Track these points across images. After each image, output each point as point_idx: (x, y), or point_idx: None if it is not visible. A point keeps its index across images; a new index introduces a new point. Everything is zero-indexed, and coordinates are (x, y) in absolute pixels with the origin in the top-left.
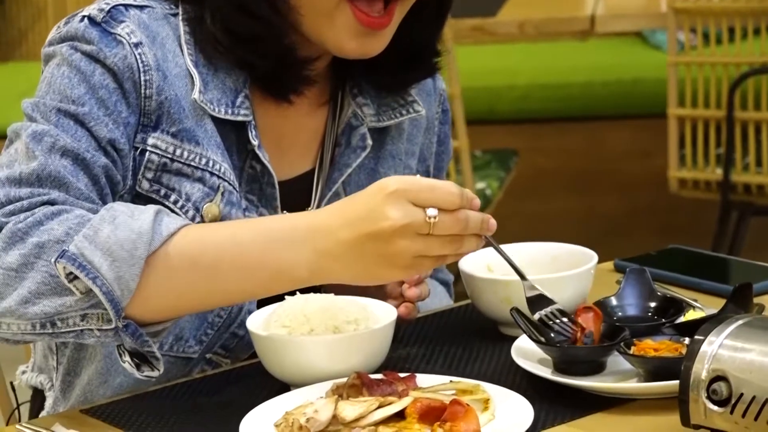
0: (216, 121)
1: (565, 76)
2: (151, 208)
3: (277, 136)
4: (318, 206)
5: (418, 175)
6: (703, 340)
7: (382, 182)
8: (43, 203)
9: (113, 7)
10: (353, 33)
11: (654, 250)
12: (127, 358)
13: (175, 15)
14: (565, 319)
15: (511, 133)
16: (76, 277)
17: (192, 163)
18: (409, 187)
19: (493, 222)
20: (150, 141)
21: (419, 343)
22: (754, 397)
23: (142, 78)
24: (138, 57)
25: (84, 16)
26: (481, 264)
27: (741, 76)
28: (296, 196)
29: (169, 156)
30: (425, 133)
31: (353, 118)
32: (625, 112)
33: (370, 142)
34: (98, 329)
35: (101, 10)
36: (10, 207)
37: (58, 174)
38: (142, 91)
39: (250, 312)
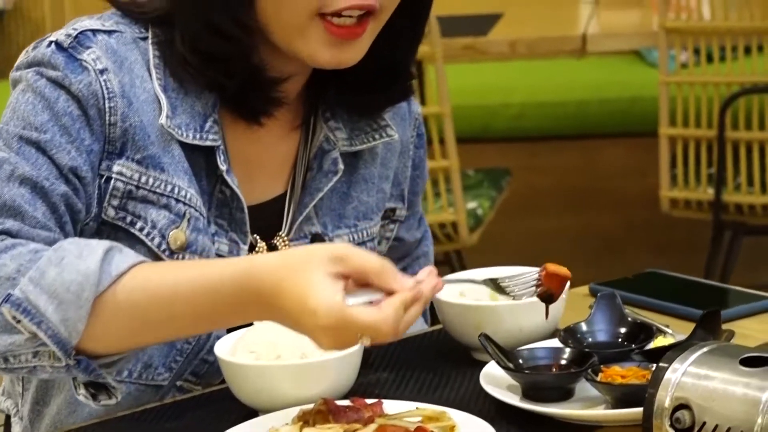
0: (184, 146)
1: (561, 94)
2: (102, 246)
3: (247, 159)
4: (289, 230)
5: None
6: (667, 368)
7: (311, 304)
8: None
9: (81, 32)
10: (327, 44)
11: (631, 274)
12: (82, 390)
13: (145, 39)
14: (529, 279)
15: (506, 151)
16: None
17: (157, 190)
18: (343, 325)
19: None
20: (115, 168)
21: (390, 368)
22: (716, 426)
23: (107, 105)
24: (103, 84)
25: (51, 41)
26: (453, 290)
27: (732, 96)
28: (267, 219)
29: (135, 183)
30: (399, 157)
31: (325, 142)
32: (621, 131)
33: (341, 166)
34: (50, 366)
35: (68, 35)
36: None
37: (14, 203)
38: (107, 118)
39: (218, 338)
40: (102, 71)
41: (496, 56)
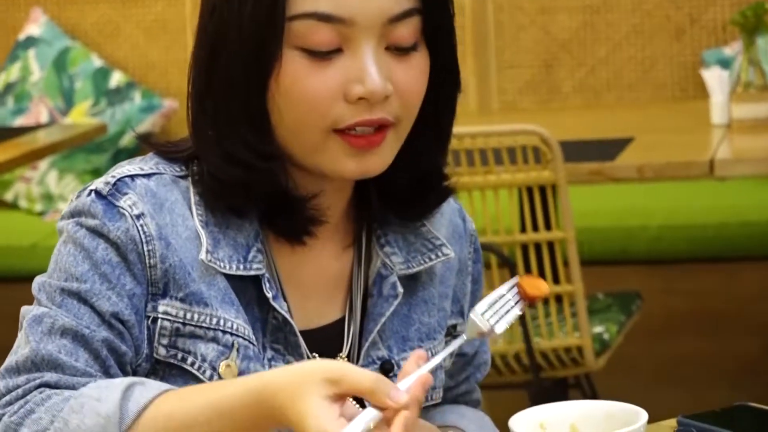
0: (230, 277)
1: (699, 217)
2: (122, 384)
3: (299, 281)
4: (354, 355)
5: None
6: None
7: (309, 429)
8: (37, 387)
9: (119, 179)
10: (348, 155)
11: (719, 408)
12: None
13: (185, 177)
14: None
15: (641, 274)
16: None
17: (203, 325)
18: None
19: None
20: (160, 308)
21: None
22: None
23: (145, 248)
24: (140, 228)
25: (91, 190)
26: (533, 421)
27: None
28: (326, 341)
29: (181, 320)
30: (458, 275)
31: (382, 267)
32: (760, 254)
33: (400, 289)
34: None
35: (107, 183)
36: (8, 397)
37: (51, 356)
38: (147, 261)
39: None
40: (138, 216)
41: (623, 180)
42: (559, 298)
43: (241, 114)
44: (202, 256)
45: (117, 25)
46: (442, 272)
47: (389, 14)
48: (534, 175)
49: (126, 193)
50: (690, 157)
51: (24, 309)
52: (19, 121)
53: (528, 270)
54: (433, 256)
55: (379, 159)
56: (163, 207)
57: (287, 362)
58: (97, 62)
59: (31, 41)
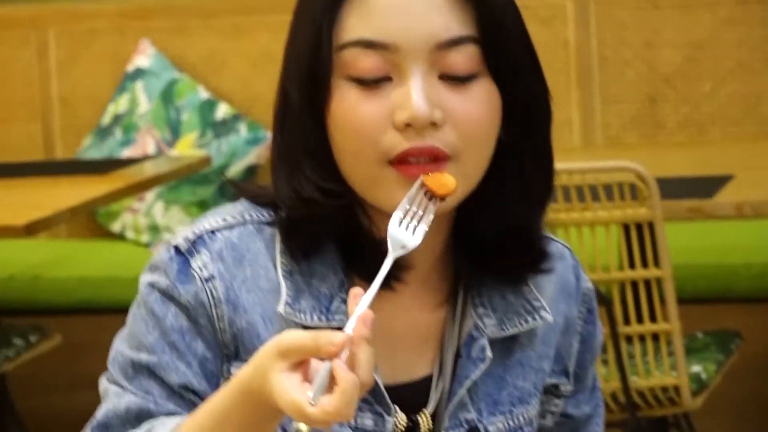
0: (311, 329)
1: None
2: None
3: (387, 334)
4: (440, 416)
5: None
6: None
7: (282, 406)
8: None
9: (199, 236)
10: (403, 187)
11: None
12: None
13: (271, 223)
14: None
15: (743, 312)
16: None
17: None
18: (315, 420)
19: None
20: (233, 370)
21: None
22: None
23: (214, 312)
24: (209, 292)
25: (172, 246)
26: None
27: None
28: (412, 395)
29: None
30: (563, 334)
31: (474, 329)
32: None
33: (489, 354)
34: None
35: (187, 239)
36: None
37: None
38: (217, 325)
39: None
40: (208, 279)
41: (721, 218)
42: (656, 337)
43: (304, 149)
44: (281, 309)
45: (224, 57)
46: (543, 332)
47: (437, 40)
48: (631, 212)
49: (201, 252)
50: None
51: (101, 380)
52: (126, 153)
53: (625, 309)
54: (529, 319)
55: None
56: (243, 261)
57: (374, 413)
58: (203, 94)
59: (139, 73)
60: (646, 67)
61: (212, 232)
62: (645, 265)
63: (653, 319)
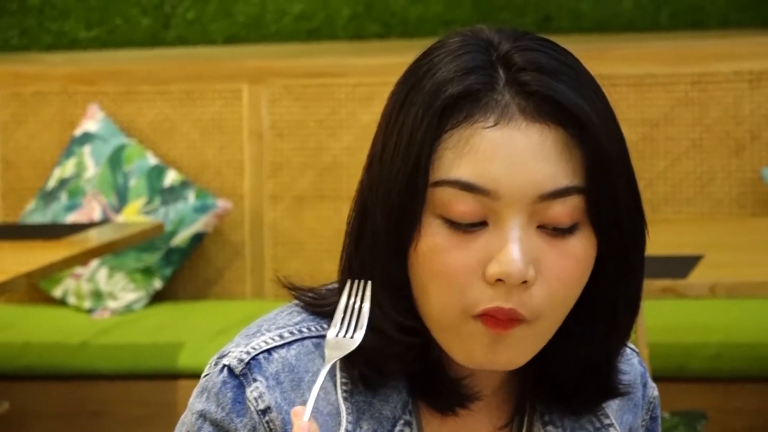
0: None
1: (760, 336)
2: None
3: None
4: None
5: None
6: None
7: None
8: None
9: (254, 357)
10: (480, 343)
11: None
12: None
13: None
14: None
15: (701, 392)
16: None
17: None
18: None
19: None
20: None
21: None
22: None
23: None
24: (266, 425)
25: (224, 366)
26: None
27: None
28: None
29: None
30: None
31: None
32: None
33: None
34: None
35: (241, 360)
36: None
37: None
38: None
39: None
40: (264, 411)
41: (699, 298)
42: None
43: (382, 279)
44: None
45: (173, 123)
46: None
47: (541, 191)
48: None
49: (257, 380)
50: (764, 277)
51: None
52: (71, 217)
53: None
54: None
55: (510, 354)
56: (302, 383)
57: None
58: (152, 160)
59: (87, 137)
60: None
61: (269, 351)
62: None
63: None
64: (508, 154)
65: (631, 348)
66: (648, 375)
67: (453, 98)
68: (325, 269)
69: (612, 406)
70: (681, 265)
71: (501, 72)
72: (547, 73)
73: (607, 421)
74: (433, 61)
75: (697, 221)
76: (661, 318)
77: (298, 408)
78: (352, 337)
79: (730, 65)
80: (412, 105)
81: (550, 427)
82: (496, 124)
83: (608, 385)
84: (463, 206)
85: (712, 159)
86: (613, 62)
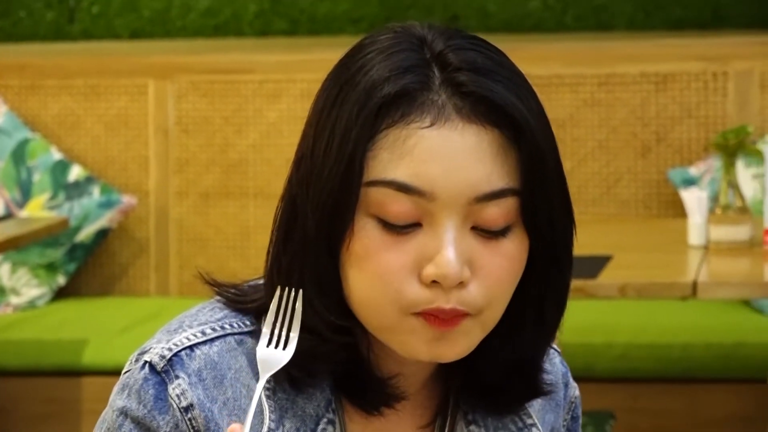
0: None
1: (666, 336)
2: None
3: None
4: None
5: None
6: None
7: None
8: None
9: (176, 354)
10: (423, 338)
11: None
12: None
13: (251, 333)
14: None
15: (608, 392)
16: None
17: None
18: None
19: None
20: None
21: None
22: None
23: None
24: (188, 423)
25: (146, 362)
26: None
27: None
28: None
29: None
30: None
31: None
32: (725, 376)
33: None
34: None
35: (163, 357)
36: None
37: None
38: None
39: None
40: (186, 408)
41: (605, 299)
42: None
43: (312, 278)
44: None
45: (78, 118)
46: None
47: (477, 192)
48: None
49: (178, 377)
50: (672, 278)
51: None
52: None
53: None
54: None
55: (454, 346)
56: (224, 380)
57: None
58: (56, 155)
59: None
60: None
61: (191, 348)
62: None
63: None
64: (444, 155)
65: (554, 348)
66: (570, 375)
67: (389, 97)
68: (231, 266)
69: (534, 406)
70: (591, 266)
71: (436, 71)
72: (482, 74)
73: (529, 421)
74: (366, 57)
75: (603, 222)
76: (569, 318)
77: (235, 426)
78: (284, 348)
79: (637, 67)
80: (345, 102)
81: (473, 427)
82: (432, 125)
83: (533, 385)
84: (398, 207)
85: (619, 160)
86: (519, 62)
